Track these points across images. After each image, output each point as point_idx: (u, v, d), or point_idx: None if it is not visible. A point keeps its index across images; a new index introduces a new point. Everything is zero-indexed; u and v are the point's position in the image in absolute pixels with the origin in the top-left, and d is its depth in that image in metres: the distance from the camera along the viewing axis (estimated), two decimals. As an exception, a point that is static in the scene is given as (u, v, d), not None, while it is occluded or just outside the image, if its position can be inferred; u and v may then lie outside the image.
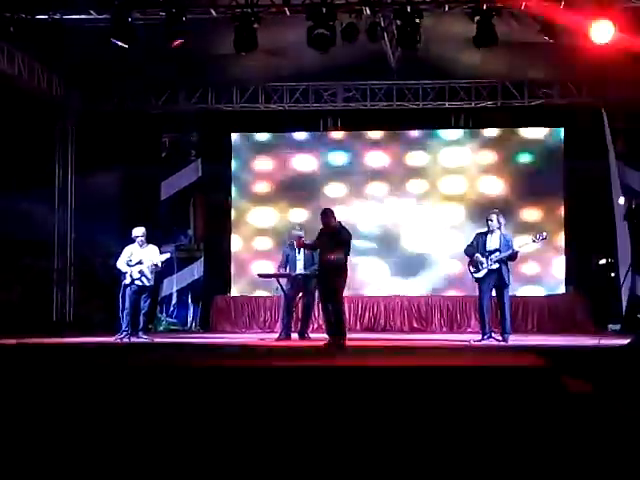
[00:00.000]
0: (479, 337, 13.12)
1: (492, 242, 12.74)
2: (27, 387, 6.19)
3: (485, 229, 12.95)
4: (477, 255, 12.73)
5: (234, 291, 18.53)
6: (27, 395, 5.67)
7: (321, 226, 12.24)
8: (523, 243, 12.94)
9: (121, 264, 13.66)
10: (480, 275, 12.77)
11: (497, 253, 12.63)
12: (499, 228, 12.82)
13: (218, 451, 3.73)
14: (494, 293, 12.93)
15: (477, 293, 13.18)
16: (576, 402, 5.35)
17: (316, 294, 13.98)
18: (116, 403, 5.25)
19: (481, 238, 12.86)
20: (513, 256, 12.73)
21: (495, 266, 12.63)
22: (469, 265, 12.97)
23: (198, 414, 4.80)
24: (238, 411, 4.87)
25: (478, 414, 4.79)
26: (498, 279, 12.71)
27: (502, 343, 12.49)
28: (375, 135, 18.57)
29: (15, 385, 6.35)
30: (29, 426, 4.30)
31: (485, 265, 12.67)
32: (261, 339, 14.60)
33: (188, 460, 3.42)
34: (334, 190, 18.23)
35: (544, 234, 12.98)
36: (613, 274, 17.41)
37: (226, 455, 3.62)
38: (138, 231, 13.76)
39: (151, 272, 13.73)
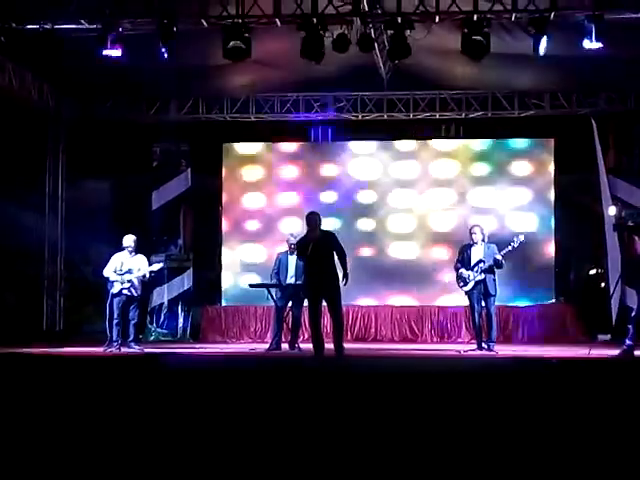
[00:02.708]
0: (470, 347, 13.17)
1: (476, 254, 12.89)
2: (14, 397, 6.19)
3: (469, 242, 13.07)
4: (462, 270, 12.89)
5: (225, 301, 18.50)
6: (13, 405, 5.66)
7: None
8: (504, 251, 12.96)
9: (108, 272, 13.57)
10: (468, 288, 12.90)
11: (482, 264, 12.73)
12: (483, 240, 12.94)
13: (213, 456, 3.74)
14: (483, 303, 13.02)
15: (467, 303, 13.24)
16: (568, 409, 5.37)
17: (305, 304, 13.95)
18: (104, 413, 5.25)
19: (466, 252, 13.01)
20: (498, 264, 12.79)
21: (481, 277, 12.75)
22: (457, 280, 13.09)
23: (192, 419, 4.81)
24: (230, 416, 4.88)
25: (468, 421, 4.81)
26: (484, 289, 12.80)
27: (491, 353, 12.54)
28: (366, 145, 18.58)
29: (2, 395, 6.34)
30: (15, 436, 4.30)
31: (472, 277, 12.78)
32: (252, 349, 14.59)
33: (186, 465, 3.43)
34: (325, 199, 18.22)
35: (521, 237, 13.09)
36: (603, 284, 17.45)
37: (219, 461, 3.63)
38: (128, 239, 13.68)
39: (139, 282, 13.67)
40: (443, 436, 4.36)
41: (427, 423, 4.88)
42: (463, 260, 12.98)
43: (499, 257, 12.70)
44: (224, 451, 3.92)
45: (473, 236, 13.01)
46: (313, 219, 12.05)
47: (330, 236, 12.20)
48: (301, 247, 12.19)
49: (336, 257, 11.86)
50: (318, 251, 11.80)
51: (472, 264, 12.81)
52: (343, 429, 4.60)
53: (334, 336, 12.06)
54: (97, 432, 4.45)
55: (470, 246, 13.02)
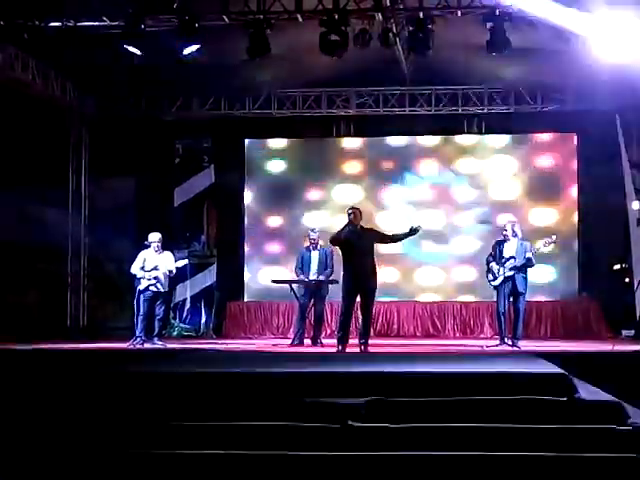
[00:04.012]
0: (492, 343, 13.13)
1: (508, 250, 12.84)
2: (40, 393, 6.22)
3: (502, 238, 13.03)
4: (492, 264, 12.86)
5: (247, 297, 18.53)
6: (40, 400, 5.69)
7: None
8: (534, 250, 12.91)
9: (135, 269, 13.64)
10: (497, 283, 12.87)
11: (512, 260, 12.68)
12: (515, 236, 12.88)
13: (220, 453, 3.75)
14: (511, 300, 12.98)
15: (490, 299, 13.21)
16: (589, 409, 5.34)
17: (327, 299, 13.94)
18: (127, 409, 5.27)
19: (498, 247, 12.97)
20: (530, 263, 12.74)
21: (510, 273, 12.70)
22: (487, 273, 13.07)
23: (204, 419, 4.81)
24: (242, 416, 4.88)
25: (491, 420, 4.80)
26: (513, 286, 12.75)
27: (515, 349, 12.49)
28: (388, 141, 18.57)
29: (28, 391, 6.37)
30: (39, 430, 4.33)
31: (501, 273, 12.74)
32: (274, 345, 14.59)
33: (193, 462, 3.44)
34: (347, 195, 18.20)
35: (553, 237, 13.03)
36: (627, 279, 17.34)
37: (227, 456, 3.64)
38: (154, 237, 13.72)
39: (165, 278, 13.72)
40: (465, 430, 4.36)
41: (448, 419, 4.87)
42: (495, 256, 12.96)
43: (529, 255, 12.65)
44: (241, 444, 3.93)
45: (504, 232, 12.99)
46: (352, 214, 11.91)
47: (370, 231, 12.12)
48: (334, 235, 12.10)
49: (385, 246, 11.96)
50: (357, 247, 11.73)
51: (503, 260, 12.79)
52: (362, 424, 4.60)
53: (361, 331, 12.06)
54: (118, 425, 4.47)
55: (502, 242, 12.99)
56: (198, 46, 13.11)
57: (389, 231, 12.76)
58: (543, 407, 5.37)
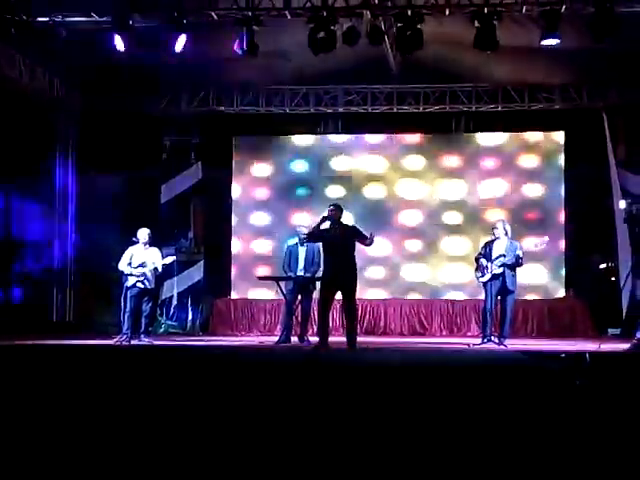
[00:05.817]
0: (479, 341, 13.16)
1: (498, 248, 12.85)
2: (25, 388, 6.20)
3: (492, 237, 13.05)
4: (482, 260, 12.87)
5: (234, 294, 18.51)
6: (24, 397, 5.67)
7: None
8: (525, 249, 12.94)
9: (123, 266, 13.57)
10: (485, 279, 12.89)
11: (502, 258, 12.69)
12: (506, 235, 12.90)
13: (217, 449, 3.73)
14: (499, 298, 13.00)
15: (476, 297, 13.22)
16: (573, 403, 5.36)
17: (314, 296, 13.90)
18: (114, 405, 5.25)
19: (489, 246, 12.99)
20: (518, 263, 12.75)
21: (499, 271, 12.71)
22: (476, 270, 13.09)
23: (195, 413, 4.80)
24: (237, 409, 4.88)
25: (473, 414, 4.80)
26: (503, 284, 12.77)
27: (501, 347, 12.52)
28: (375, 139, 18.57)
29: (13, 386, 6.35)
30: (25, 427, 4.31)
31: (489, 270, 12.75)
32: (261, 342, 14.59)
33: (191, 458, 3.43)
34: (333, 193, 18.19)
35: (545, 238, 13.07)
36: (613, 278, 17.40)
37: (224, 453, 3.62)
38: (143, 233, 13.66)
39: (152, 275, 13.67)
40: (451, 430, 4.36)
41: (435, 416, 4.87)
42: (485, 254, 12.98)
43: (519, 252, 12.66)
44: (226, 446, 3.92)
45: (495, 231, 13.01)
46: (332, 211, 11.97)
47: (351, 229, 12.17)
48: (313, 233, 12.20)
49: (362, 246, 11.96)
50: (337, 244, 11.79)
51: (493, 258, 12.80)
52: (350, 422, 4.59)
53: (347, 329, 12.07)
54: (104, 423, 4.46)
55: (492, 241, 13.01)
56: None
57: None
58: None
